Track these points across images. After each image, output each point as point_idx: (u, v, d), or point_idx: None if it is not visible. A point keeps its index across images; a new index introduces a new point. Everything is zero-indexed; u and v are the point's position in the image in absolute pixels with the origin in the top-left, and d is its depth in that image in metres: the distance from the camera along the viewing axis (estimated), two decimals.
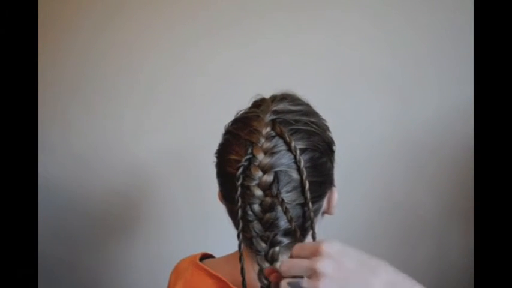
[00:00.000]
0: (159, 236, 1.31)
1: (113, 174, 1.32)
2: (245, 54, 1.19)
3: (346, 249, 0.45)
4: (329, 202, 0.62)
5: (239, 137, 0.58)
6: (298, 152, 0.55)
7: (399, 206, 1.16)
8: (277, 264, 0.53)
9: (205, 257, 0.70)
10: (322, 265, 0.44)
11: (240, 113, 0.62)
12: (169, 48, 1.24)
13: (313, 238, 0.56)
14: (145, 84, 1.27)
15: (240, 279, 0.56)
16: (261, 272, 0.54)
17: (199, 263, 0.66)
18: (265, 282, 0.53)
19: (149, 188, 1.31)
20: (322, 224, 0.62)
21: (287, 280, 0.47)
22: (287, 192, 0.55)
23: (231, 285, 0.60)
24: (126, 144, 1.30)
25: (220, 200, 0.64)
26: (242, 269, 0.56)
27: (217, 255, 0.70)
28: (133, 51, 1.27)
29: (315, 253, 0.45)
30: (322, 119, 0.63)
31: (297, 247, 0.48)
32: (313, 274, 0.44)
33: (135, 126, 1.29)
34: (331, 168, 0.62)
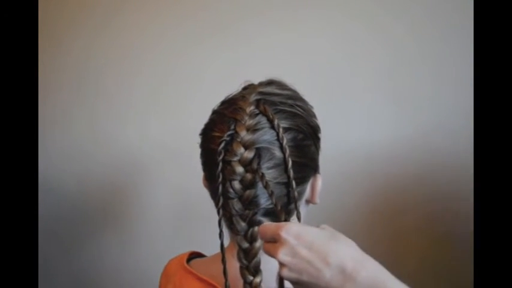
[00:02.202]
0: (159, 235, 1.32)
1: (112, 174, 1.32)
2: (245, 55, 1.19)
3: (303, 232, 0.46)
4: (313, 189, 0.61)
5: (223, 115, 0.58)
6: (281, 129, 0.55)
7: (397, 206, 1.15)
8: (257, 244, 0.53)
9: (194, 256, 0.69)
10: (281, 256, 0.46)
11: (228, 96, 0.63)
12: (170, 49, 1.24)
13: (298, 218, 0.55)
14: (146, 85, 1.27)
15: (230, 279, 0.55)
16: (240, 252, 0.54)
17: (187, 266, 0.65)
18: (245, 262, 0.53)
19: (148, 187, 1.31)
20: (310, 217, 0.61)
21: None
22: (268, 168, 0.55)
23: None
24: (126, 144, 1.30)
25: (205, 185, 0.63)
26: (222, 246, 0.57)
27: (211, 253, 0.69)
28: (134, 51, 1.27)
29: (276, 238, 0.47)
30: (309, 105, 0.62)
31: (261, 230, 0.49)
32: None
33: (136, 127, 1.29)
34: (316, 153, 0.61)
